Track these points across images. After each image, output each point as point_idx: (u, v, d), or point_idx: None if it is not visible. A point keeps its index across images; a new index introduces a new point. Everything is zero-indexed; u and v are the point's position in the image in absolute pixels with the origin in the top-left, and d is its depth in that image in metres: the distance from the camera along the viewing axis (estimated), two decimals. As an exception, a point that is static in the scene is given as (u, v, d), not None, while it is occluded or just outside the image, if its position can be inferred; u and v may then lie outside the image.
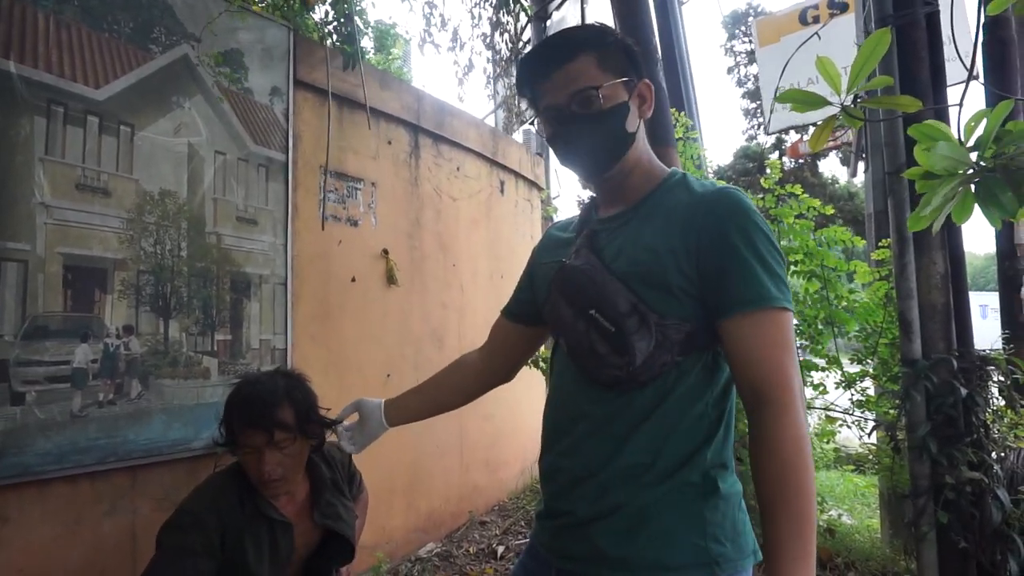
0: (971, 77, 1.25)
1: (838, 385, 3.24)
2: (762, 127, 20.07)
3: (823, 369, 3.22)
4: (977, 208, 1.04)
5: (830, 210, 3.37)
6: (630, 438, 1.03)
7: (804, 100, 1.15)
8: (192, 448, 2.28)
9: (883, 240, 2.93)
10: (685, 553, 0.99)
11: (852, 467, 5.19)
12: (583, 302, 1.06)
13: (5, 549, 1.86)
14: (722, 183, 1.11)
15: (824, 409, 3.33)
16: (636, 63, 1.11)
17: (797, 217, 3.18)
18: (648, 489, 1.02)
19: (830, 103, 1.12)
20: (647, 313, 1.01)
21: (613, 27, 1.12)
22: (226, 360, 2.43)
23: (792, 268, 3.21)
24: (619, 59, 1.09)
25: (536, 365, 3.37)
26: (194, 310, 2.34)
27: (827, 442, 3.54)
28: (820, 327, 3.16)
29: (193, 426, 2.29)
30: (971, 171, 1.00)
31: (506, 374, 1.47)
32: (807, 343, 3.18)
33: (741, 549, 1.03)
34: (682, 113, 3.71)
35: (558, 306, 1.12)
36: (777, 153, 19.96)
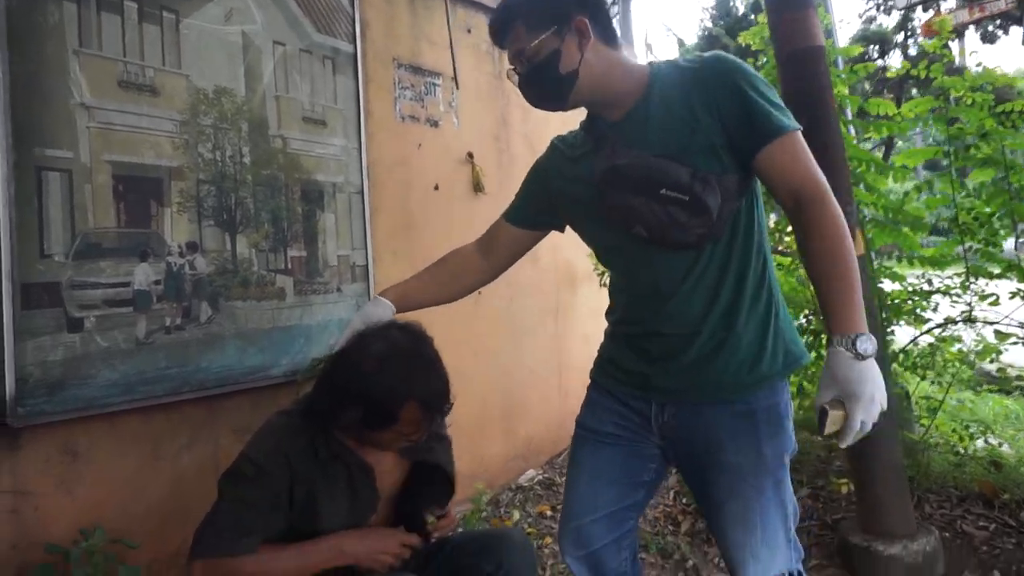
0: None
1: (1013, 295, 2.69)
2: (883, 7, 17.80)
3: (997, 276, 2.67)
4: None
5: (1019, 81, 2.71)
6: (722, 282, 1.28)
7: None
8: (271, 376, 2.07)
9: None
10: (776, 363, 1.31)
11: (995, 388, 4.58)
12: (651, 186, 1.22)
13: (78, 484, 1.72)
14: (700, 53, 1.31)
15: (988, 323, 2.80)
16: (567, 5, 1.25)
17: (972, 91, 2.56)
18: (742, 322, 1.28)
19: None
20: (706, 175, 1.20)
21: None
22: (302, 279, 2.18)
23: (962, 154, 2.62)
24: (545, 15, 1.24)
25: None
26: (263, 224, 2.09)
27: (989, 361, 3.01)
28: (996, 225, 2.59)
29: (270, 352, 2.08)
30: None
31: (495, 273, 1.63)
32: (979, 245, 2.62)
33: (801, 348, 1.36)
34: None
35: (625, 200, 1.25)
36: (903, 35, 17.74)
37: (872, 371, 1.10)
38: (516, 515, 2.72)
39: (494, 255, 1.60)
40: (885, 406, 1.10)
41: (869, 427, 1.10)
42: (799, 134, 1.22)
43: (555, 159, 1.46)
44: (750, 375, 1.29)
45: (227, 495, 1.30)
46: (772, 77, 2.49)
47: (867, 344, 1.09)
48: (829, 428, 1.10)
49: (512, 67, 1.32)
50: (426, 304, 1.59)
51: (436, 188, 2.78)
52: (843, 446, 1.11)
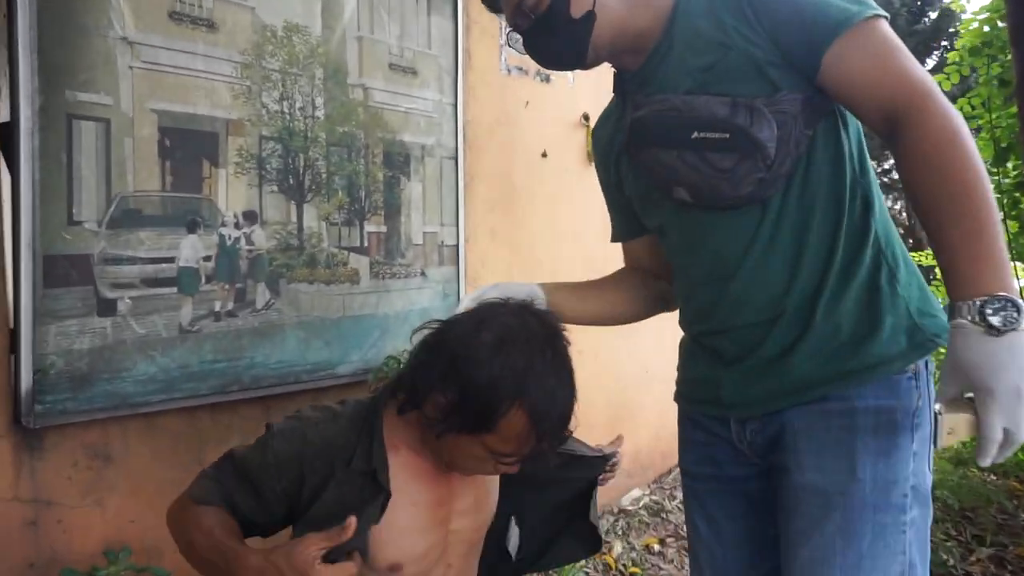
0: None
1: None
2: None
3: None
4: None
5: None
6: (803, 244, 0.97)
7: None
8: (337, 375, 1.75)
9: None
10: (896, 344, 0.96)
11: None
12: (680, 132, 0.96)
13: (110, 495, 1.46)
14: None
15: None
16: None
17: None
18: (836, 293, 0.96)
19: None
20: (751, 102, 0.92)
21: None
22: (380, 259, 1.83)
23: None
24: None
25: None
26: (336, 191, 1.74)
27: None
28: None
29: (339, 346, 1.75)
30: None
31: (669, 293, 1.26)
32: None
33: (939, 321, 0.98)
34: None
35: (653, 157, 1.01)
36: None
37: (1016, 350, 0.77)
38: (618, 547, 2.30)
39: (653, 269, 1.25)
40: None
41: (1022, 436, 0.77)
42: (881, 24, 0.90)
43: (600, 152, 1.21)
44: (852, 360, 0.96)
45: (234, 463, 1.08)
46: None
47: (1005, 312, 0.76)
48: (947, 440, 0.82)
49: (512, 28, 1.09)
50: (580, 319, 1.23)
51: (544, 155, 2.36)
52: (984, 464, 0.80)
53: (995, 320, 0.76)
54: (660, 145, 0.99)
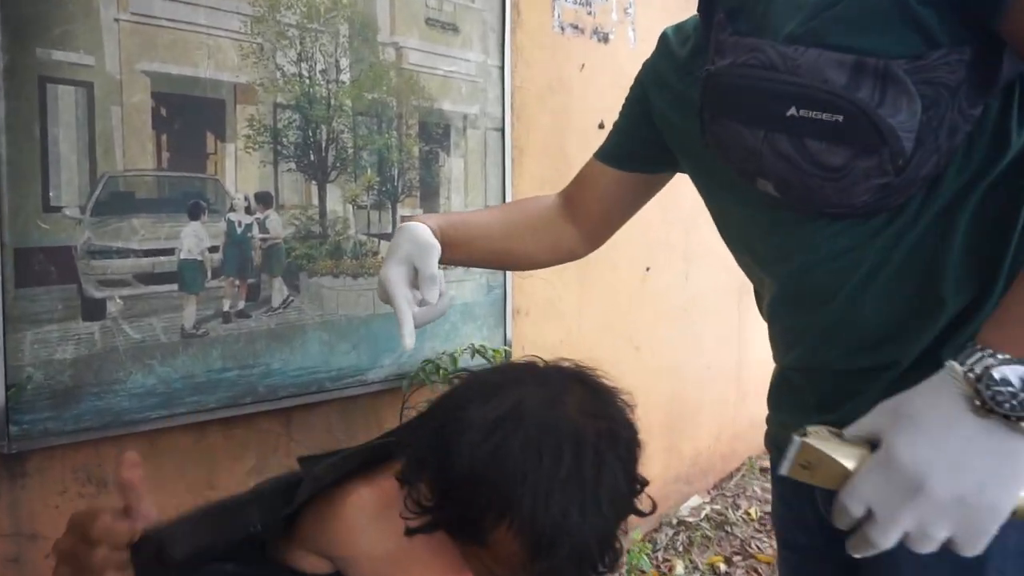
0: None
1: None
2: None
3: None
4: None
5: None
6: (940, 274, 0.66)
7: None
8: (367, 381, 1.51)
9: None
10: None
11: None
12: (770, 107, 0.65)
13: (106, 526, 1.25)
14: None
15: None
16: None
17: None
18: None
19: None
20: (884, 64, 0.59)
21: None
22: (415, 248, 1.58)
23: None
24: None
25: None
26: (364, 169, 1.49)
27: None
28: None
29: (368, 349, 1.51)
30: None
31: (589, 239, 1.05)
32: None
33: None
34: None
35: (733, 136, 0.70)
36: None
37: (1003, 447, 0.50)
38: (680, 567, 2.06)
39: (582, 209, 1.03)
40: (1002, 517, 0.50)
41: (887, 536, 0.52)
42: None
43: (661, 62, 0.91)
44: None
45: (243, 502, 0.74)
46: None
47: (1017, 395, 0.49)
48: (796, 471, 0.58)
49: None
50: (479, 256, 1.02)
51: (601, 126, 2.07)
52: (850, 551, 0.55)
53: (990, 395, 0.50)
54: (745, 117, 0.70)
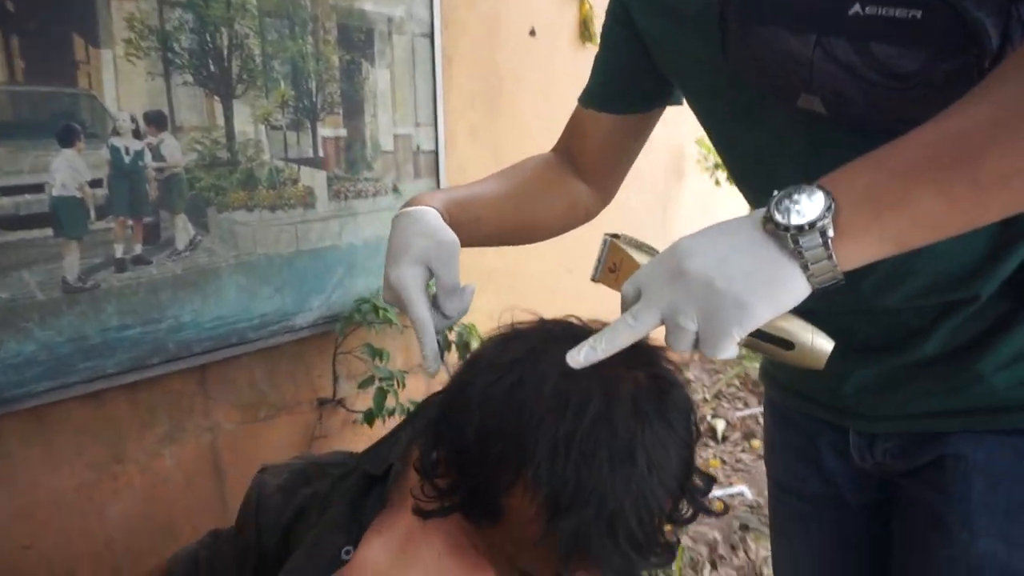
0: None
1: None
2: None
3: None
4: None
5: None
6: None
7: None
8: (294, 328, 1.34)
9: None
10: None
11: None
12: (826, 6, 0.54)
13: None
14: None
15: None
16: None
17: None
18: None
19: None
20: None
21: None
22: (340, 173, 1.38)
23: None
24: None
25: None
26: (276, 82, 1.26)
27: None
28: None
29: (294, 291, 1.33)
30: None
31: (606, 192, 0.91)
32: None
33: None
34: None
35: (774, 46, 0.58)
36: None
37: (765, 253, 0.49)
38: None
39: (584, 162, 0.88)
40: (744, 328, 0.49)
41: (686, 331, 0.50)
42: None
43: None
44: None
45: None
46: None
47: (790, 200, 0.49)
48: (606, 277, 0.64)
49: None
50: (486, 234, 0.81)
51: (532, 33, 1.89)
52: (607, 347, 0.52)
53: (776, 209, 0.49)
54: (785, 24, 0.58)
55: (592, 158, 0.88)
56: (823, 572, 0.88)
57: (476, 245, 0.81)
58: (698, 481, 0.55)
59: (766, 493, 0.98)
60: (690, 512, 0.55)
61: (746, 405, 2.66)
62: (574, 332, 0.56)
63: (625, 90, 0.84)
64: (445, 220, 0.72)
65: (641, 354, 0.55)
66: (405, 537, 0.59)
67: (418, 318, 0.67)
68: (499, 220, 0.82)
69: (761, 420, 2.70)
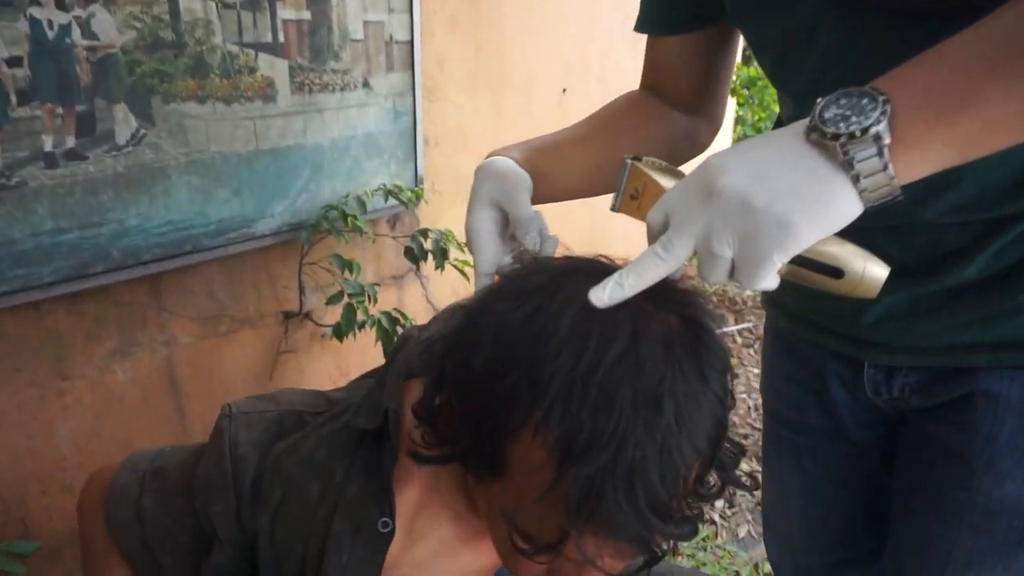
0: None
1: None
2: None
3: None
4: None
5: None
6: None
7: None
8: (255, 235, 1.23)
9: None
10: None
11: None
12: None
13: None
14: None
15: None
16: None
17: None
18: None
19: None
20: None
21: None
22: (303, 63, 1.23)
23: None
24: None
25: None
26: (227, -50, 1.09)
27: None
28: None
29: (253, 194, 1.21)
30: None
31: (711, 115, 0.80)
32: None
33: None
34: None
35: None
36: None
37: (809, 164, 0.43)
38: None
39: (674, 91, 0.78)
40: (788, 249, 0.43)
41: (721, 258, 0.44)
42: None
43: None
44: None
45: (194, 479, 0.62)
46: None
47: (840, 106, 0.42)
48: (627, 206, 0.56)
49: None
50: (576, 180, 0.72)
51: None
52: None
53: (822, 116, 0.42)
54: None
55: (677, 86, 0.78)
56: (813, 509, 0.85)
57: (568, 195, 0.72)
58: (730, 448, 0.48)
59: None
60: (717, 486, 0.48)
61: (723, 323, 2.66)
62: (603, 268, 0.48)
63: (677, 5, 0.73)
64: (523, 167, 0.67)
65: (673, 294, 0.47)
66: (418, 503, 0.53)
67: (477, 261, 0.65)
68: (590, 163, 0.73)
69: (739, 339, 2.72)
